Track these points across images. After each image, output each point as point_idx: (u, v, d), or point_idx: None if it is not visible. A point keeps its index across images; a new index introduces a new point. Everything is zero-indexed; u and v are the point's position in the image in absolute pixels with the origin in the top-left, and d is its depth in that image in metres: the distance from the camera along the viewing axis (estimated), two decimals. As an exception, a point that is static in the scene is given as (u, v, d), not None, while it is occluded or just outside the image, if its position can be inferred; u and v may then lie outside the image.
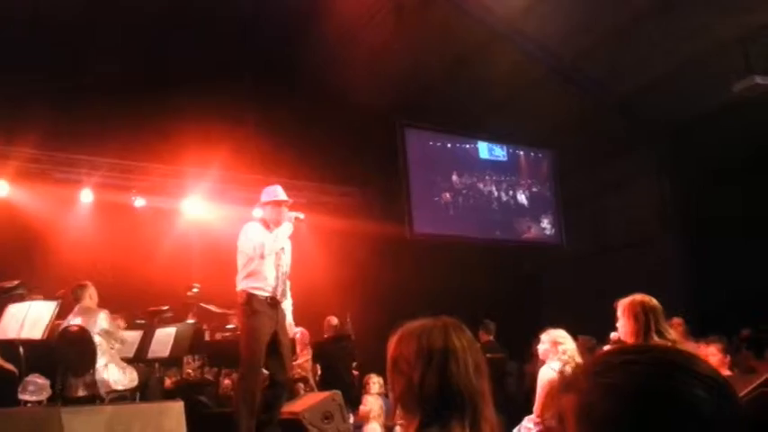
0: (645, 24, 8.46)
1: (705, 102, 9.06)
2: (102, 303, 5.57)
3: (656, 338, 3.39)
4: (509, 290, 10.68)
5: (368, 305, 8.77)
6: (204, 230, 9.36)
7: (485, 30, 9.08)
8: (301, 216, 5.03)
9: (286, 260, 4.98)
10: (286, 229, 4.89)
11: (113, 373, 5.19)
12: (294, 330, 5.35)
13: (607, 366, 0.78)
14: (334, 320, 8.16)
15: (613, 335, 3.74)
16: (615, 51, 8.99)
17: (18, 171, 8.21)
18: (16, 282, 5.97)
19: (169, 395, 6.01)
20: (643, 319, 3.43)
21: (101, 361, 5.19)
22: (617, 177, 10.72)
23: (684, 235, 10.14)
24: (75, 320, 5.30)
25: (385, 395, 6.17)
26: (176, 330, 6.05)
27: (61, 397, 5.06)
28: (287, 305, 5.02)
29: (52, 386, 4.95)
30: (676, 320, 5.62)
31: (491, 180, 11.06)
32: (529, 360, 7.64)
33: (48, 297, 5.64)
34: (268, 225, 4.96)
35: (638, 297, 3.52)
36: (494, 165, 11.20)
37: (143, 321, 6.57)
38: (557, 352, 4.76)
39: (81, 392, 5.15)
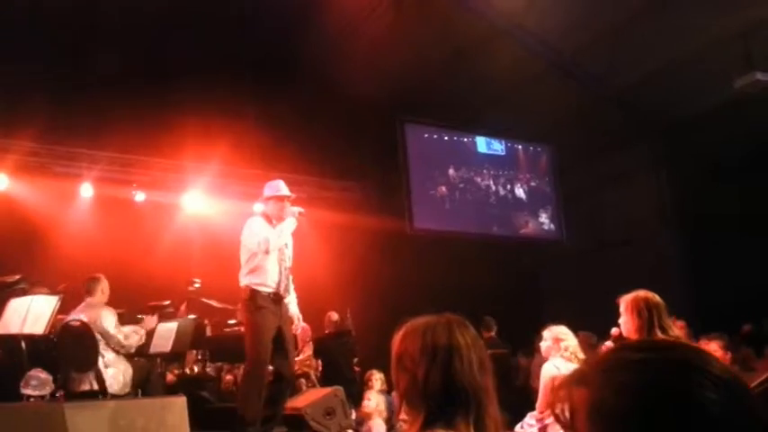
0: (645, 19, 8.45)
1: (704, 98, 9.06)
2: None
3: (659, 334, 3.40)
4: (508, 285, 10.70)
5: (368, 300, 8.78)
6: (204, 225, 9.36)
7: (484, 24, 9.07)
8: (302, 210, 5.05)
9: (289, 255, 5.00)
10: (290, 224, 4.90)
11: (109, 376, 5.19)
12: (301, 324, 5.36)
13: (619, 363, 0.79)
14: (335, 316, 8.17)
15: (614, 330, 3.75)
16: (615, 46, 8.97)
17: (17, 165, 8.18)
18: (17, 276, 5.96)
19: (171, 390, 6.02)
20: (646, 315, 3.43)
21: (101, 359, 5.20)
22: (615, 173, 10.73)
23: (683, 231, 10.16)
24: (79, 315, 5.30)
25: (387, 392, 6.18)
26: (178, 325, 6.03)
27: (64, 391, 5.06)
28: (291, 299, 5.04)
29: (55, 381, 4.95)
30: (679, 323, 5.63)
31: (489, 174, 11.05)
32: (531, 356, 7.67)
33: (49, 291, 5.63)
34: (270, 220, 4.97)
35: (642, 293, 3.53)
36: (492, 159, 11.20)
37: (144, 316, 6.55)
38: (559, 348, 4.76)
39: (84, 387, 5.15)
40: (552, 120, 10.44)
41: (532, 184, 11.44)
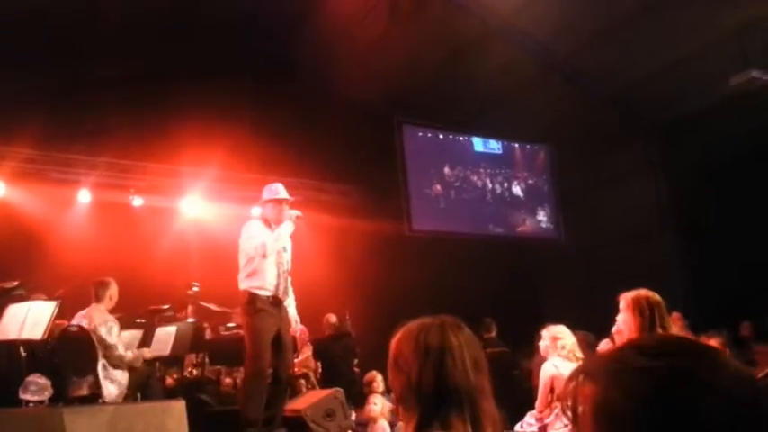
0: (640, 20, 8.47)
1: (701, 97, 9.07)
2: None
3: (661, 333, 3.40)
4: (507, 286, 10.70)
5: (366, 302, 8.78)
6: (202, 229, 9.37)
7: (480, 26, 9.08)
8: (299, 214, 5.05)
9: (287, 258, 5.00)
10: (288, 227, 4.91)
11: (107, 382, 5.19)
12: (299, 327, 5.37)
13: (627, 365, 0.78)
14: (333, 318, 8.17)
15: (616, 329, 3.74)
16: (610, 47, 9.00)
17: (15, 171, 8.18)
18: (16, 282, 5.96)
19: (170, 394, 6.01)
20: (648, 314, 3.43)
21: (100, 364, 5.20)
22: (612, 173, 10.75)
23: (680, 230, 10.17)
24: (79, 321, 5.30)
25: (387, 392, 6.18)
26: (177, 329, 6.04)
27: (63, 396, 5.05)
28: (290, 301, 5.05)
29: (54, 386, 4.95)
30: (675, 315, 5.65)
31: (485, 173, 11.04)
32: (531, 356, 7.66)
33: (47, 297, 5.63)
34: (269, 223, 4.98)
35: (643, 292, 3.53)
36: (489, 157, 11.20)
37: (143, 320, 6.56)
38: (556, 348, 4.77)
39: (83, 392, 5.15)
40: (548, 121, 10.47)
41: (530, 182, 11.42)
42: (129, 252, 8.29)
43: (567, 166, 11.16)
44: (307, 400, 5.35)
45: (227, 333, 7.05)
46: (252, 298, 4.75)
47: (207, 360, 6.80)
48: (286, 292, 4.95)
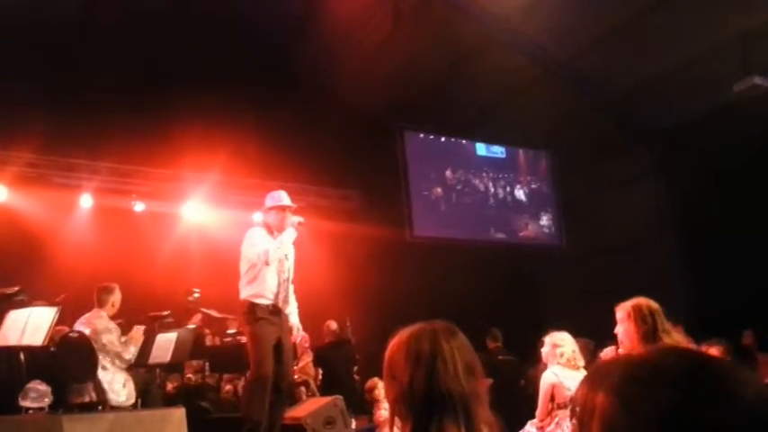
0: (642, 25, 8.46)
1: (703, 102, 9.06)
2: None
3: (664, 339, 3.38)
4: (508, 291, 10.68)
5: (367, 309, 8.76)
6: (204, 234, 9.37)
7: (482, 31, 9.08)
8: (301, 220, 5.04)
9: (289, 266, 4.98)
10: (290, 235, 4.89)
11: (113, 386, 5.19)
12: (301, 334, 5.35)
13: (633, 380, 0.77)
14: (334, 325, 8.14)
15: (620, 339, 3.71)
16: (612, 52, 8.99)
17: (17, 176, 8.21)
18: (16, 288, 5.95)
19: (170, 400, 6.01)
20: (651, 321, 3.42)
21: (102, 370, 5.20)
22: (614, 178, 10.72)
23: (683, 236, 10.14)
24: (80, 327, 5.30)
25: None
26: (177, 335, 6.02)
27: (63, 404, 5.05)
28: (292, 309, 5.04)
29: (53, 393, 4.94)
30: (677, 329, 5.59)
31: (488, 176, 11.01)
32: (534, 364, 7.64)
33: (48, 303, 5.62)
34: (271, 230, 4.96)
35: (643, 300, 3.51)
36: (491, 162, 11.17)
37: (144, 327, 6.54)
38: (555, 355, 4.75)
39: (83, 399, 5.14)
40: (551, 126, 10.45)
41: (533, 186, 11.39)
42: (130, 257, 8.29)
43: (570, 171, 11.14)
44: (307, 408, 5.35)
45: (227, 340, 7.04)
46: (251, 307, 4.74)
47: (207, 367, 6.79)
48: (286, 301, 4.93)
